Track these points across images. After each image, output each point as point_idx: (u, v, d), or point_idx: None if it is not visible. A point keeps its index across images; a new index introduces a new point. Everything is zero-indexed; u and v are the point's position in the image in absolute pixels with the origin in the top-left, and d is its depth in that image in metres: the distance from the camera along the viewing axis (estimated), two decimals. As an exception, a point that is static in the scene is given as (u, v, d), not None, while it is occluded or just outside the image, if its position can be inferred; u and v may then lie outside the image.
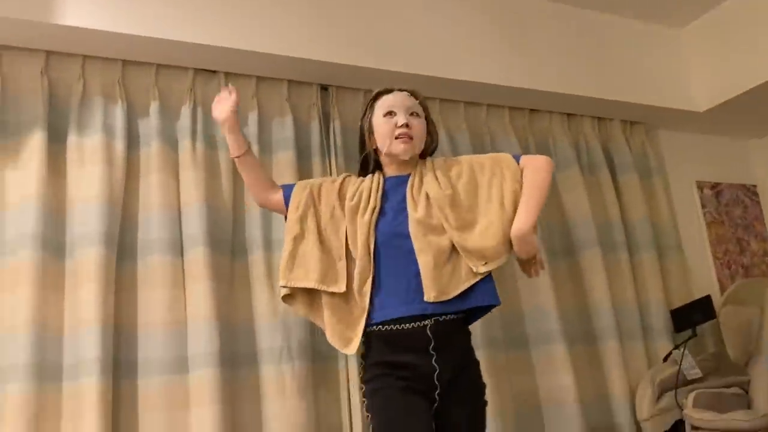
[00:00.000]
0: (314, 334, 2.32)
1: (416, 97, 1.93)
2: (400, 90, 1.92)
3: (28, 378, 1.93)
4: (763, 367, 2.86)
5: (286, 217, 1.91)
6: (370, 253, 1.76)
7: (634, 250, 3.04)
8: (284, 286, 1.82)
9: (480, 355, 2.43)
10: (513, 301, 2.73)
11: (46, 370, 1.99)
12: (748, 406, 2.75)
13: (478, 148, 2.87)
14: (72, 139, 2.22)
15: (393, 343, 1.69)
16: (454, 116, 2.89)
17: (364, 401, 1.72)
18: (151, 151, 2.31)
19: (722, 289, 3.29)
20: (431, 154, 1.97)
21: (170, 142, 2.35)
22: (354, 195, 1.84)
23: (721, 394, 2.70)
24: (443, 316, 1.70)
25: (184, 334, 2.17)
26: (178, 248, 2.24)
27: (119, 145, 2.25)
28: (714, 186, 3.51)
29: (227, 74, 2.49)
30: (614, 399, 2.73)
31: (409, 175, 1.87)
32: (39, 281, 2.02)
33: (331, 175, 2.54)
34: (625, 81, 3.12)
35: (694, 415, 2.57)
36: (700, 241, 3.37)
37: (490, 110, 2.97)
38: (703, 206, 3.43)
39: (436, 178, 1.83)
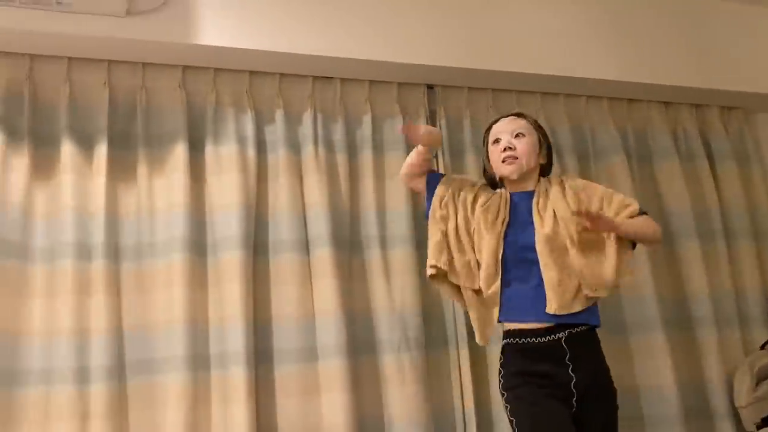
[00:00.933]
0: (429, 325, 2.50)
1: (524, 118, 2.06)
2: (508, 115, 2.08)
3: (185, 368, 2.19)
4: None
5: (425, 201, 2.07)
6: (498, 262, 1.90)
7: (732, 238, 3.07)
8: (434, 266, 1.95)
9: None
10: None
11: (199, 361, 2.24)
12: None
13: (578, 139, 2.95)
14: (209, 148, 2.42)
15: (530, 356, 1.84)
16: (554, 109, 2.96)
17: (507, 407, 1.85)
18: (278, 157, 2.49)
19: (820, 275, 3.29)
20: (549, 169, 2.09)
21: (294, 147, 2.53)
22: (486, 203, 1.98)
23: (819, 382, 2.75)
24: (576, 328, 1.85)
25: (313, 326, 2.39)
26: (304, 247, 2.44)
27: (250, 153, 2.45)
28: (812, 169, 3.46)
29: (342, 80, 2.64)
30: (711, 385, 2.81)
31: (533, 191, 1.99)
32: (188, 281, 2.26)
33: (437, 169, 2.68)
34: (723, 67, 3.10)
35: (792, 403, 2.64)
36: (799, 225, 3.36)
37: (589, 101, 3.03)
38: (802, 190, 3.40)
39: (564, 196, 1.94)
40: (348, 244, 2.52)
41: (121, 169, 2.35)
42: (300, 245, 2.42)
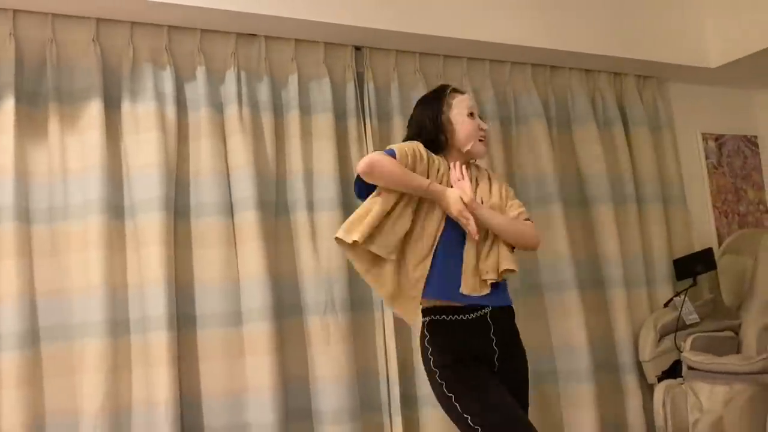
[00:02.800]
0: (354, 288, 2.52)
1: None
2: (466, 93, 2.09)
3: (103, 333, 2.13)
4: (752, 311, 3.13)
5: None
6: (436, 239, 1.87)
7: (642, 202, 3.23)
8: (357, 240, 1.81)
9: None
10: (530, 252, 2.94)
11: (118, 325, 2.19)
12: (738, 348, 3.04)
13: (501, 105, 3.00)
14: (126, 105, 2.32)
15: (460, 332, 1.85)
16: (479, 74, 2.99)
17: (441, 384, 1.82)
18: (199, 116, 2.42)
19: (719, 237, 3.52)
20: None
21: (217, 106, 2.45)
22: (437, 176, 1.92)
23: (715, 337, 2.98)
24: (498, 305, 1.90)
25: (237, 290, 2.36)
26: (228, 210, 2.39)
27: (170, 111, 2.36)
28: (718, 138, 3.67)
29: (267, 38, 2.57)
30: (619, 341, 2.99)
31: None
32: (105, 243, 2.18)
33: (366, 135, 2.68)
34: (640, 37, 3.21)
35: (690, 356, 2.84)
36: (702, 191, 3.57)
37: (513, 67, 3.07)
38: (707, 157, 3.61)
39: (490, 188, 2.00)
40: (274, 206, 2.50)
41: (30, 127, 2.22)
42: (224, 208, 2.38)
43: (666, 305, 3.08)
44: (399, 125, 2.70)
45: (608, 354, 2.98)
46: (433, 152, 1.97)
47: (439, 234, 1.88)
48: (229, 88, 2.46)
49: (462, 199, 1.84)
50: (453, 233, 1.88)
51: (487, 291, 1.87)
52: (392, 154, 1.85)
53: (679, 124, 3.54)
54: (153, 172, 2.26)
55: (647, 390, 2.95)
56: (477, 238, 1.86)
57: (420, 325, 1.92)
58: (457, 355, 1.84)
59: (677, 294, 3.05)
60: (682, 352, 2.90)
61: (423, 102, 2.07)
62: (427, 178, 1.88)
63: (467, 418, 1.76)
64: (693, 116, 3.61)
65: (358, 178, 1.88)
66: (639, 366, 2.96)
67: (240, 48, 2.52)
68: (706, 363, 2.78)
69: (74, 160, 2.24)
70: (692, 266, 3.10)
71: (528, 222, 2.00)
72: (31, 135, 2.22)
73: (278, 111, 2.56)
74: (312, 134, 2.59)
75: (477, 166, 2.07)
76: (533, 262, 2.95)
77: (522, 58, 3.05)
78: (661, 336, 2.97)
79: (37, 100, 2.25)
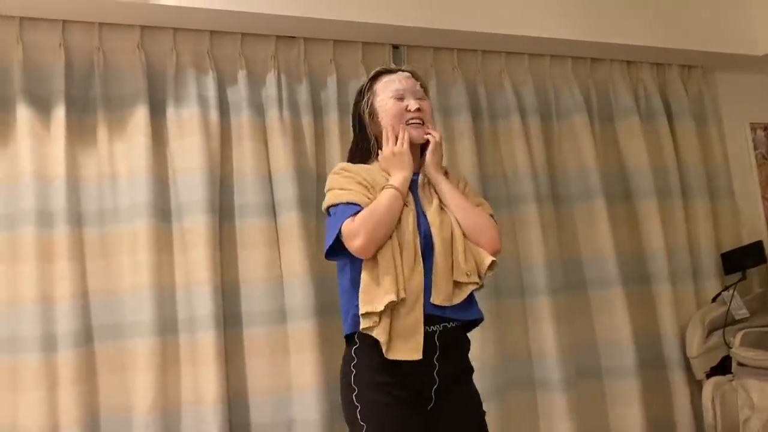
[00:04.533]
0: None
1: (418, 80, 1.83)
2: (398, 70, 1.82)
3: (153, 332, 2.20)
4: (805, 306, 3.05)
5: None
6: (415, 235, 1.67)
7: (688, 196, 3.16)
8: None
9: (542, 300, 2.69)
10: (572, 246, 2.92)
11: (166, 325, 2.25)
12: (791, 343, 2.96)
13: (542, 99, 2.98)
14: (170, 110, 2.38)
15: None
16: (518, 68, 2.97)
17: (357, 407, 1.61)
18: (241, 119, 2.46)
19: (770, 230, 3.43)
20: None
21: (258, 109, 2.49)
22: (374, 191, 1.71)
23: (766, 332, 2.90)
24: (451, 323, 1.66)
25: (281, 289, 2.40)
26: (271, 211, 2.43)
27: (213, 115, 2.41)
28: (767, 127, 3.57)
29: (306, 40, 2.60)
30: (665, 337, 2.94)
31: (416, 174, 1.76)
32: (153, 246, 2.25)
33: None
34: (683, 26, 3.13)
35: (740, 353, 2.78)
36: (751, 182, 3.47)
37: (553, 61, 3.04)
38: (755, 148, 3.51)
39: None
40: (315, 206, 2.52)
41: (80, 133, 2.30)
42: (266, 209, 2.42)
43: (714, 300, 3.02)
44: (438, 122, 2.69)
45: (655, 350, 2.94)
46: (366, 162, 1.78)
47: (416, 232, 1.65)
48: (270, 90, 2.50)
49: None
50: (422, 236, 1.66)
51: (461, 299, 1.64)
52: (347, 210, 1.62)
53: (726, 114, 3.45)
54: (197, 175, 2.32)
55: (695, 387, 2.89)
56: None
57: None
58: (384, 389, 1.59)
59: (726, 288, 2.98)
60: (731, 348, 2.84)
61: (354, 103, 1.86)
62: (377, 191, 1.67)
63: None
64: (740, 106, 3.51)
65: (333, 248, 1.65)
66: (687, 362, 2.90)
67: (280, 51, 2.56)
68: (757, 359, 2.72)
69: (122, 165, 2.31)
70: (741, 260, 3.02)
71: (490, 217, 1.76)
72: (81, 141, 2.29)
73: (317, 112, 2.59)
74: (351, 134, 2.60)
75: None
76: (577, 259, 2.92)
77: (561, 51, 3.01)
78: (710, 331, 2.91)
79: (86, 107, 2.32)
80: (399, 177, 1.69)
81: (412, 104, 1.75)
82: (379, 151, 1.77)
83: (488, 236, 1.72)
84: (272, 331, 2.36)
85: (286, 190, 2.42)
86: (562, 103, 3.01)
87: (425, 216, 1.71)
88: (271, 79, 2.51)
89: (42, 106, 2.24)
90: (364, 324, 1.58)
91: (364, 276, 1.61)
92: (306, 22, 2.47)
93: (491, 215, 1.80)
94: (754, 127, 3.53)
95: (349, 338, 1.72)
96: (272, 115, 2.48)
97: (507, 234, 2.74)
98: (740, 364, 2.78)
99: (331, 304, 2.48)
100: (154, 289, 2.22)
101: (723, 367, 2.87)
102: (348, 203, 1.65)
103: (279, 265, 2.41)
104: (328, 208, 1.72)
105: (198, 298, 2.26)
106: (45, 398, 2.06)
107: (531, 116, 2.90)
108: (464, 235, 1.71)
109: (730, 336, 2.87)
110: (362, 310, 1.58)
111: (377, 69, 1.84)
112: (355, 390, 1.63)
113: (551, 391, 2.66)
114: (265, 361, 2.35)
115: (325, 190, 1.75)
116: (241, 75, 2.48)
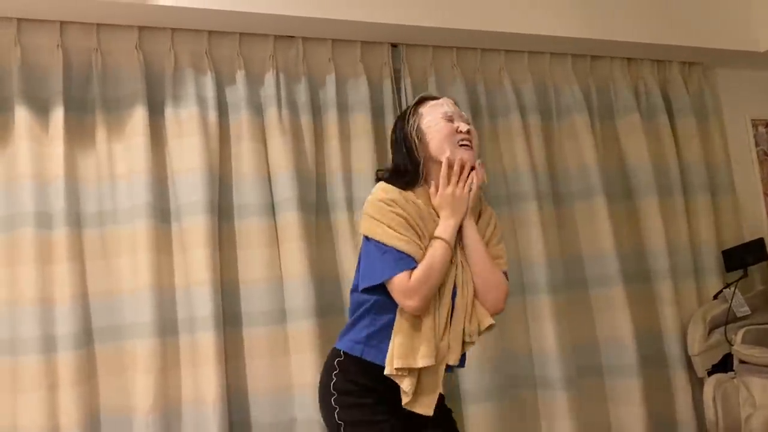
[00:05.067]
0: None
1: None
2: (441, 98, 1.80)
3: (153, 333, 2.19)
4: (808, 303, 3.03)
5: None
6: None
7: (689, 193, 3.15)
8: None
9: (543, 298, 2.69)
10: (573, 244, 2.91)
11: (166, 325, 2.25)
12: (793, 341, 2.95)
13: (542, 97, 2.97)
14: (169, 111, 2.38)
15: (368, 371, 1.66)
16: (518, 66, 2.96)
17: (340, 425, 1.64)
18: (240, 119, 2.46)
19: (771, 226, 3.42)
20: None
21: (256, 108, 2.49)
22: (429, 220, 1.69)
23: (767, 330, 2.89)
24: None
25: (281, 289, 2.40)
26: (270, 211, 2.43)
27: (212, 115, 2.40)
28: (768, 123, 3.56)
29: (305, 39, 2.60)
30: (666, 334, 2.93)
31: None
32: (153, 246, 2.25)
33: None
34: (683, 23, 3.12)
35: (742, 350, 2.77)
36: (753, 179, 3.46)
37: (553, 59, 3.03)
38: (757, 144, 3.50)
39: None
40: (314, 206, 2.52)
41: (79, 134, 2.30)
42: (266, 209, 2.42)
43: (715, 297, 3.01)
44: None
45: (656, 348, 2.93)
46: (412, 186, 1.69)
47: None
48: (268, 90, 2.50)
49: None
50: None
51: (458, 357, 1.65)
52: (401, 261, 1.59)
53: (727, 110, 3.44)
54: (196, 175, 2.32)
55: (697, 384, 2.88)
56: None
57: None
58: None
59: (727, 286, 2.97)
60: (732, 345, 2.83)
61: (394, 126, 1.81)
62: (426, 237, 1.64)
63: None
64: (742, 102, 3.49)
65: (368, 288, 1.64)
66: (688, 360, 2.89)
67: (278, 50, 2.55)
68: (758, 357, 2.71)
69: (121, 166, 2.31)
70: (742, 257, 3.01)
71: (503, 276, 1.72)
72: (80, 142, 2.30)
73: (316, 111, 2.59)
74: (350, 133, 2.61)
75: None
76: (577, 257, 2.91)
77: (561, 48, 3.00)
78: (711, 329, 2.90)
79: (85, 107, 2.32)
80: (450, 225, 1.65)
81: (463, 126, 1.72)
82: (432, 182, 1.70)
83: (495, 297, 1.69)
84: (272, 332, 2.36)
85: (286, 190, 2.42)
86: (562, 100, 3.00)
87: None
88: (269, 78, 2.51)
89: (40, 108, 2.24)
90: (390, 371, 1.59)
91: (404, 327, 1.61)
92: (304, 21, 2.47)
93: (505, 272, 1.74)
94: (755, 124, 3.52)
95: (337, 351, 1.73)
96: (271, 114, 2.47)
97: (508, 232, 2.73)
98: (742, 362, 2.77)
99: (330, 304, 2.48)
100: (154, 290, 2.22)
101: (725, 365, 2.86)
102: (402, 253, 1.60)
103: (278, 265, 2.41)
104: (370, 239, 1.65)
105: (198, 298, 2.26)
106: (45, 399, 2.07)
107: (531, 114, 2.89)
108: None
109: (732, 333, 2.86)
110: (397, 364, 1.57)
111: (421, 95, 1.82)
112: (334, 395, 1.66)
113: (552, 390, 2.66)
114: (265, 361, 2.35)
115: (367, 213, 1.66)
116: (240, 75, 2.48)
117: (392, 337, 1.61)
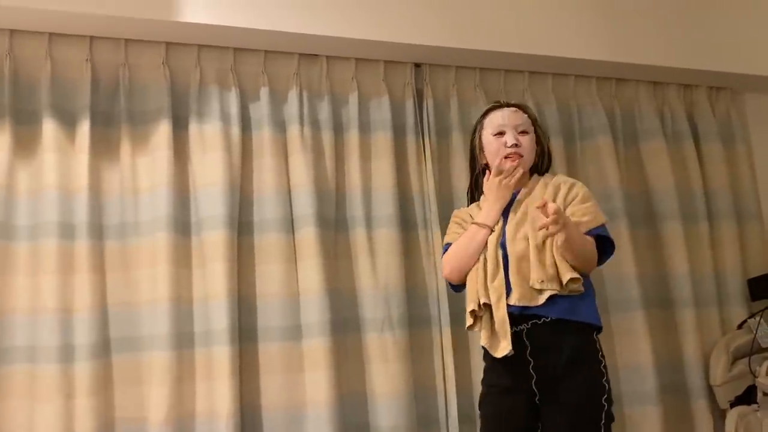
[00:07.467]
0: (412, 305, 2.53)
1: (525, 112, 2.04)
2: (509, 105, 2.04)
3: (169, 345, 2.21)
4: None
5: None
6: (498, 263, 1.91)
7: (714, 219, 3.10)
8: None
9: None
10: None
11: (183, 339, 2.27)
12: (820, 374, 2.87)
13: (565, 119, 2.95)
14: (193, 126, 2.41)
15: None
16: (541, 88, 2.95)
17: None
18: (262, 135, 2.48)
19: (800, 256, 3.33)
20: (546, 169, 2.09)
21: (279, 125, 2.52)
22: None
23: (794, 362, 2.82)
24: (540, 319, 1.83)
25: (297, 305, 2.41)
26: (289, 226, 2.45)
27: (235, 131, 2.43)
28: (798, 150, 3.48)
29: (328, 58, 2.62)
30: (688, 363, 2.87)
31: (518, 190, 2.00)
32: (172, 259, 2.27)
33: (425, 152, 2.68)
34: (711, 47, 3.09)
35: (766, 382, 2.70)
36: (781, 207, 3.40)
37: (577, 81, 3.02)
38: (786, 171, 3.43)
39: (544, 196, 1.92)
40: (333, 223, 2.53)
41: (104, 147, 2.34)
42: (285, 224, 2.43)
43: (740, 327, 2.94)
44: (458, 141, 2.70)
45: (677, 377, 2.87)
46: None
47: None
48: (291, 107, 2.52)
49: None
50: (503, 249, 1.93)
51: (539, 302, 1.85)
52: (446, 248, 2.01)
53: (756, 136, 3.38)
54: (218, 190, 2.34)
55: (719, 416, 2.82)
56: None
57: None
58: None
59: (752, 315, 2.91)
60: (757, 377, 2.76)
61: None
62: None
63: None
64: (771, 128, 3.44)
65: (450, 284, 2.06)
66: (710, 390, 2.83)
67: (302, 68, 2.58)
68: (783, 389, 2.64)
69: (144, 179, 2.34)
70: (768, 286, 2.95)
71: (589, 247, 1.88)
72: (105, 155, 2.34)
73: (338, 129, 2.60)
74: (371, 152, 2.62)
75: (544, 179, 2.02)
76: (598, 280, 2.87)
77: (586, 71, 2.99)
78: (735, 359, 2.83)
79: (111, 121, 2.37)
80: (486, 210, 1.96)
81: (510, 140, 1.96)
82: (488, 174, 1.99)
83: (582, 257, 1.86)
84: (287, 347, 2.36)
85: (305, 206, 2.43)
86: (586, 123, 2.98)
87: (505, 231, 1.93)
88: (293, 96, 2.53)
89: (68, 120, 2.29)
90: (467, 322, 1.92)
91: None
92: (328, 40, 2.49)
93: (598, 229, 1.91)
94: (784, 150, 3.45)
95: None
96: (293, 131, 2.50)
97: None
98: (766, 395, 2.70)
99: (346, 321, 2.48)
100: (172, 303, 2.24)
101: (748, 397, 2.79)
102: (447, 243, 2.04)
103: (296, 280, 2.42)
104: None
105: (214, 312, 2.28)
106: (61, 408, 2.09)
107: (554, 137, 2.87)
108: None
109: (756, 365, 2.79)
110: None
111: (489, 105, 2.09)
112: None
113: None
114: (280, 377, 2.35)
115: None
116: (264, 92, 2.51)
117: None
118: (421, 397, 2.50)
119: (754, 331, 2.84)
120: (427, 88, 2.75)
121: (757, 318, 2.86)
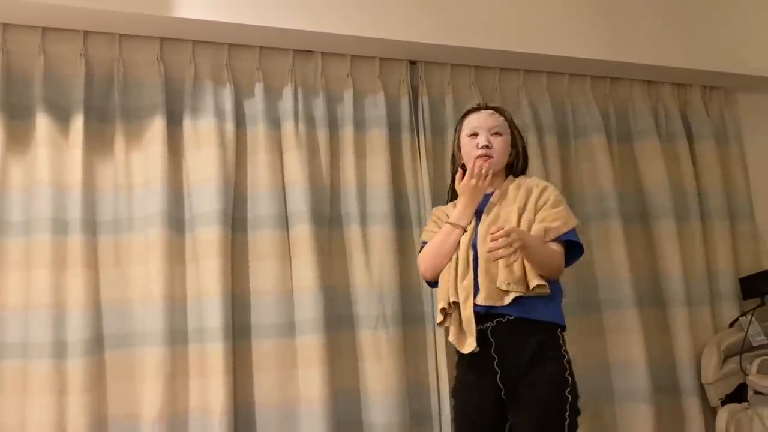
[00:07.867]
0: (406, 302, 2.53)
1: (501, 114, 2.09)
2: (486, 108, 2.10)
3: (163, 342, 2.21)
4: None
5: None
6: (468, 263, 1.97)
7: (707, 218, 3.11)
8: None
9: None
10: (587, 266, 2.88)
11: (176, 335, 2.26)
12: (810, 372, 2.89)
13: (559, 118, 2.96)
14: (187, 122, 2.40)
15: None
16: (536, 86, 2.96)
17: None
18: (257, 132, 2.48)
19: (791, 255, 3.36)
20: (522, 170, 2.12)
21: (274, 122, 2.51)
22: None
23: (784, 361, 2.84)
24: (504, 318, 1.89)
25: (291, 302, 2.41)
26: (284, 223, 2.44)
27: (229, 127, 2.43)
28: (790, 150, 3.50)
29: (324, 54, 2.62)
30: (680, 362, 2.88)
31: (491, 192, 2.05)
32: (166, 255, 2.26)
33: (419, 149, 2.69)
34: (705, 47, 3.10)
35: (757, 380, 2.72)
36: (773, 206, 3.41)
37: (572, 79, 3.02)
38: (778, 171, 3.45)
39: (515, 199, 1.99)
40: (328, 220, 2.53)
41: (97, 142, 2.33)
42: (279, 221, 2.43)
43: (731, 325, 2.96)
44: (453, 139, 2.69)
45: (668, 375, 2.88)
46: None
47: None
48: (286, 104, 2.52)
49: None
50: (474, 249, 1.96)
51: (504, 303, 1.88)
52: (424, 244, 2.07)
53: (749, 136, 3.40)
54: (212, 186, 2.34)
55: (710, 414, 2.84)
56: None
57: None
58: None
59: (743, 314, 2.93)
60: (747, 375, 2.78)
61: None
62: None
63: None
64: (763, 127, 3.45)
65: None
66: (701, 388, 2.85)
67: (297, 64, 2.58)
68: (774, 388, 2.66)
69: (138, 175, 2.33)
70: (760, 285, 2.97)
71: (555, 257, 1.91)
72: (99, 150, 2.33)
73: (333, 126, 2.60)
74: (366, 149, 2.62)
75: (518, 181, 2.04)
76: (591, 279, 2.89)
77: (581, 70, 2.99)
78: (726, 358, 2.85)
79: (105, 116, 2.36)
80: (459, 210, 2.00)
81: (482, 141, 2.01)
82: (460, 173, 2.03)
83: (548, 269, 1.90)
84: (281, 344, 2.36)
85: (300, 202, 2.43)
86: (580, 122, 2.99)
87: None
88: (287, 92, 2.53)
89: (61, 115, 2.28)
90: (437, 319, 1.99)
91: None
92: (324, 37, 2.49)
93: (567, 234, 1.94)
94: (776, 150, 3.47)
95: None
96: (288, 127, 2.49)
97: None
98: (756, 393, 2.73)
99: (340, 318, 2.48)
100: (166, 299, 2.24)
101: (739, 395, 2.81)
102: (423, 241, 2.12)
103: (290, 277, 2.42)
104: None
105: (208, 308, 2.27)
106: (54, 404, 2.08)
107: (548, 135, 2.88)
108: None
109: (747, 363, 2.81)
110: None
111: (469, 107, 2.15)
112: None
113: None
114: (273, 373, 2.35)
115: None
116: (259, 88, 2.50)
117: None
118: (414, 394, 2.50)
119: (746, 330, 2.86)
120: (422, 85, 2.75)
121: (749, 316, 2.88)
